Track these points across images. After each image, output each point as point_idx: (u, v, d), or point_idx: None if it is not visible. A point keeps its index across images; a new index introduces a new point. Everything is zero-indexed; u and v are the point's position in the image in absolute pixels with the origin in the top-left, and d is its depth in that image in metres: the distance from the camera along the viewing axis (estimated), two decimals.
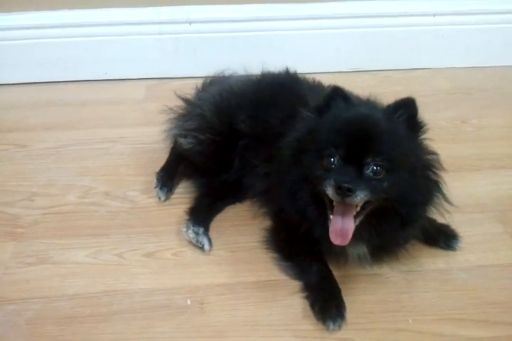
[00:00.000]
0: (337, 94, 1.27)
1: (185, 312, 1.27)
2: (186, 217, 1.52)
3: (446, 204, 1.31)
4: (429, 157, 1.28)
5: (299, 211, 1.27)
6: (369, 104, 1.35)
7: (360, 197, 1.13)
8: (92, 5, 2.27)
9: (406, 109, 1.23)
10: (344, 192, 1.11)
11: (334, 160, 1.17)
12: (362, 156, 1.16)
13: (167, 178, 1.66)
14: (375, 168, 1.15)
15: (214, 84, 1.83)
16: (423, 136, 1.27)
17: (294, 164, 1.27)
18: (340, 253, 1.33)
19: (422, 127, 1.26)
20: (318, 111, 1.28)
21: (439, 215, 1.34)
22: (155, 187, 1.63)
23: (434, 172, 1.27)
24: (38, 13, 2.27)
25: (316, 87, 1.64)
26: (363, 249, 1.31)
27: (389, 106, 1.26)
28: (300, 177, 1.25)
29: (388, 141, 1.18)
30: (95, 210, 1.61)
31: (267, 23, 2.35)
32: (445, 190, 1.29)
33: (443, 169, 1.29)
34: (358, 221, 1.19)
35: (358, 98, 1.40)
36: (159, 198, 1.62)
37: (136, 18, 2.30)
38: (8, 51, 2.31)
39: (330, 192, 1.14)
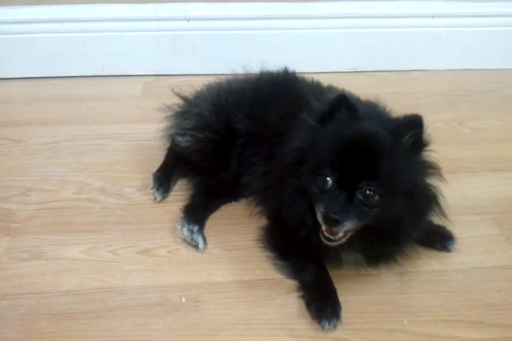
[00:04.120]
0: (342, 102, 1.23)
1: (179, 310, 1.27)
2: (181, 214, 1.51)
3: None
4: (429, 171, 1.25)
5: (296, 218, 1.27)
6: (374, 113, 1.32)
7: (347, 226, 1.15)
8: (90, 0, 2.25)
9: (414, 129, 1.18)
10: (331, 222, 1.14)
11: (329, 181, 1.16)
12: (356, 180, 1.15)
13: (164, 179, 1.64)
14: (367, 192, 1.14)
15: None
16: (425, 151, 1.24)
17: (293, 172, 1.25)
18: (334, 259, 1.33)
19: (425, 145, 1.22)
20: (321, 119, 1.25)
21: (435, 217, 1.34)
22: (151, 188, 1.62)
23: (432, 190, 1.25)
24: (35, 8, 2.25)
25: (314, 86, 1.63)
26: (357, 256, 1.31)
27: (396, 124, 1.21)
28: (298, 186, 1.25)
29: (387, 166, 1.16)
30: (90, 206, 1.60)
31: (266, 22, 2.35)
32: (443, 204, 1.28)
33: (444, 180, 1.27)
34: (347, 236, 1.20)
35: (362, 103, 1.38)
36: (155, 199, 1.61)
37: (134, 14, 2.29)
38: (5, 45, 2.29)
39: (319, 218, 1.16)
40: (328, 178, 1.16)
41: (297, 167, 1.24)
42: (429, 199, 1.25)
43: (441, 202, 1.27)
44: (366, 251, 1.29)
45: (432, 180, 1.26)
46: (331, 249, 1.26)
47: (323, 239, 1.21)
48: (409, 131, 1.17)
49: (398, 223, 1.21)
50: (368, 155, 1.16)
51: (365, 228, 1.21)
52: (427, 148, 1.23)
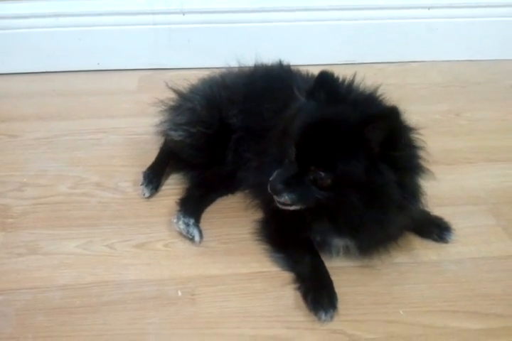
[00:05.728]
0: (322, 81, 1.21)
1: (175, 304, 1.27)
2: (177, 208, 1.51)
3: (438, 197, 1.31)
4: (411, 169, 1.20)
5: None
6: (363, 98, 1.24)
7: (286, 198, 1.18)
8: None
9: (379, 122, 1.08)
10: (272, 189, 1.18)
11: (293, 154, 1.18)
12: (308, 163, 1.16)
13: (153, 176, 1.63)
14: (319, 176, 1.14)
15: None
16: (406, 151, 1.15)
17: (278, 143, 1.27)
18: (323, 245, 1.33)
19: (398, 139, 1.11)
20: (307, 95, 1.24)
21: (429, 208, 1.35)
22: (141, 185, 1.61)
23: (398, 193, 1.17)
24: (30, 2, 2.24)
25: (310, 79, 1.61)
26: (346, 242, 1.31)
27: (366, 114, 1.12)
28: (278, 158, 1.26)
29: (337, 157, 1.12)
30: (86, 201, 1.59)
31: (261, 15, 2.34)
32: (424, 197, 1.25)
33: (433, 178, 1.24)
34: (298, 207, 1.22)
35: (351, 87, 1.29)
36: (143, 195, 1.60)
37: (129, 8, 2.28)
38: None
39: (268, 183, 1.19)
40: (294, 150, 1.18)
41: (282, 138, 1.24)
42: (390, 199, 1.16)
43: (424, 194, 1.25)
44: (345, 235, 1.27)
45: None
46: (316, 233, 1.28)
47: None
48: (374, 122, 1.08)
49: (352, 216, 1.17)
50: (320, 142, 1.14)
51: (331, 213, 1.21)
52: (404, 144, 1.13)
